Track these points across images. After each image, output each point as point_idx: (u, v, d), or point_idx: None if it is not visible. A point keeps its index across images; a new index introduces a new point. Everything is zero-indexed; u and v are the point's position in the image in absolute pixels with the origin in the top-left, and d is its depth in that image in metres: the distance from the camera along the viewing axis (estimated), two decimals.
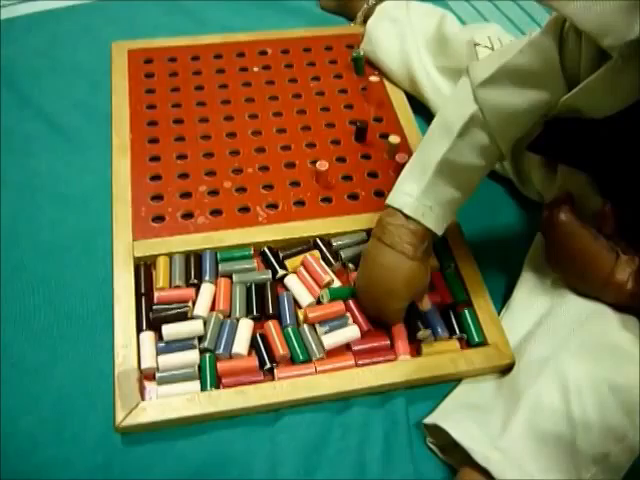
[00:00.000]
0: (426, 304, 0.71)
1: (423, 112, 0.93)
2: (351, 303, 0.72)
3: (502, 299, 0.75)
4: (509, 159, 0.83)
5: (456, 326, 0.71)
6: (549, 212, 0.66)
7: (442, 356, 0.68)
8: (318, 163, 0.80)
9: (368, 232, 0.76)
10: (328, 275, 0.72)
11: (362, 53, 0.95)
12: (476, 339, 0.70)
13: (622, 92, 0.56)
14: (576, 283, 0.67)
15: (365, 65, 0.96)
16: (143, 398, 0.64)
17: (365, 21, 1.00)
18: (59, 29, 1.03)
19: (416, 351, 0.69)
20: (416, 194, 0.65)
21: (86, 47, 1.00)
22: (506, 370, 0.67)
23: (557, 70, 0.61)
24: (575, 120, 0.63)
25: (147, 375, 0.66)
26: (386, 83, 0.95)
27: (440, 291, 0.74)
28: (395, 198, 0.66)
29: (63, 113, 0.91)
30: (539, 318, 0.68)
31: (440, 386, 0.68)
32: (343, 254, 0.75)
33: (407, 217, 0.65)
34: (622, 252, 0.63)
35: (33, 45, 1.00)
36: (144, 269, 0.73)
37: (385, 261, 0.65)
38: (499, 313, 0.73)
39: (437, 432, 0.63)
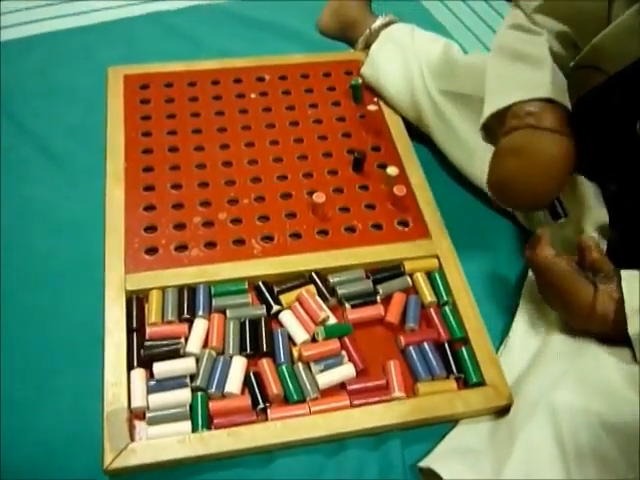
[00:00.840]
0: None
1: (422, 142, 0.92)
2: (347, 341, 0.70)
3: (501, 335, 0.74)
4: None
5: (453, 365, 0.70)
6: (528, 252, 0.67)
7: (439, 396, 0.67)
8: (315, 195, 0.79)
9: (366, 269, 0.76)
10: (324, 312, 0.71)
11: (360, 81, 0.94)
12: (474, 379, 0.69)
13: None
14: (565, 317, 0.67)
15: (363, 92, 0.96)
16: (133, 439, 0.63)
17: (367, 47, 0.99)
18: (56, 51, 1.02)
19: (412, 390, 0.68)
20: (547, 81, 0.66)
21: (83, 71, 1.00)
22: (504, 411, 0.66)
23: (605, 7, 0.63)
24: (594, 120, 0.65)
25: (138, 414, 0.65)
26: (385, 111, 0.94)
27: (437, 328, 0.73)
28: (523, 91, 0.67)
29: (58, 138, 0.90)
30: (532, 357, 0.68)
31: (437, 427, 0.67)
32: (340, 291, 0.74)
33: (546, 100, 0.65)
34: (601, 282, 0.63)
35: (30, 68, 0.99)
36: (136, 303, 0.71)
37: (542, 144, 0.64)
38: (497, 350, 0.72)
39: (432, 476, 0.61)
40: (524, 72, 0.69)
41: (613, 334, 0.63)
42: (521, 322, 0.73)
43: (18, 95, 0.95)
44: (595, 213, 0.69)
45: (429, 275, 0.77)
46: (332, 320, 0.72)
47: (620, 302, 0.62)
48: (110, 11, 1.10)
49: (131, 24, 1.07)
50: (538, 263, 0.66)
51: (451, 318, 0.73)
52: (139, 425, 0.64)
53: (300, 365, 0.68)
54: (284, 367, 0.68)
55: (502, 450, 0.60)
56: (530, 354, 0.69)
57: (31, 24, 1.04)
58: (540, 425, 0.58)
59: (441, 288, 0.76)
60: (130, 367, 0.67)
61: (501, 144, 0.68)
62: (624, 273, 0.63)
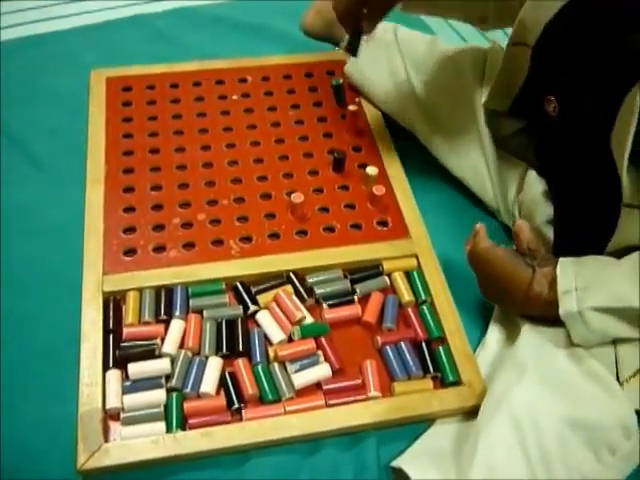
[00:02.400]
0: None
1: (403, 140, 0.92)
2: (323, 340, 0.70)
3: (479, 335, 0.74)
4: (493, 186, 0.82)
5: (430, 364, 0.69)
6: (468, 246, 0.69)
7: (415, 396, 0.67)
8: (293, 195, 0.79)
9: (344, 268, 0.76)
10: (300, 312, 0.71)
11: (341, 81, 0.94)
12: (450, 378, 0.68)
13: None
14: (506, 306, 0.69)
15: (346, 92, 0.95)
16: (107, 439, 0.63)
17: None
18: (41, 54, 1.03)
19: (389, 390, 0.68)
20: None
21: (67, 73, 1.00)
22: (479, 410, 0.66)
23: None
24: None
25: (112, 415, 0.65)
26: (366, 110, 0.94)
27: (414, 327, 0.72)
28: None
29: (40, 142, 0.90)
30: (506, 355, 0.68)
31: (413, 426, 0.67)
32: (317, 291, 0.74)
33: None
34: (539, 266, 0.64)
35: (14, 71, 0.99)
36: (113, 304, 0.71)
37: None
38: (475, 350, 0.72)
39: (404, 476, 0.61)
40: None
41: (551, 313, 0.63)
42: (497, 323, 0.73)
43: (1, 98, 0.95)
44: (545, 206, 0.70)
45: (408, 275, 0.77)
46: (309, 320, 0.72)
47: (555, 284, 0.62)
48: (95, 14, 1.10)
49: (116, 27, 1.08)
50: (477, 255, 0.68)
51: (429, 317, 0.73)
52: (114, 426, 0.64)
53: (276, 365, 0.68)
54: (260, 367, 0.68)
55: (468, 450, 0.60)
56: (502, 354, 0.69)
57: (16, 27, 1.05)
58: (501, 424, 0.58)
59: (419, 287, 0.75)
60: (106, 368, 0.67)
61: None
62: (561, 259, 0.64)
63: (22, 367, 0.69)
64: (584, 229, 0.68)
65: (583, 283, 0.61)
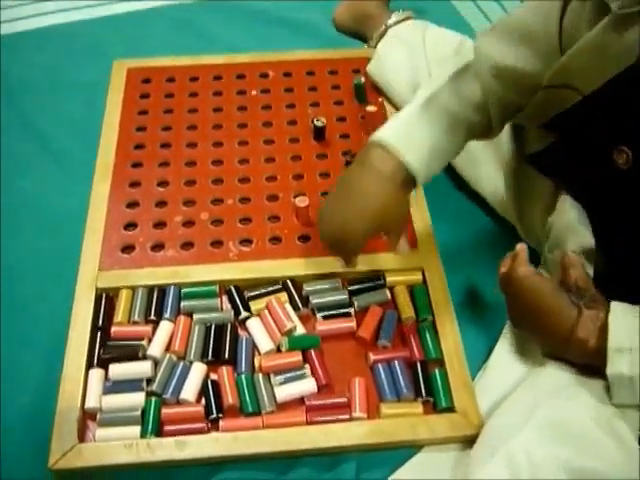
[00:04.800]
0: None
1: None
2: (312, 354, 0.67)
3: (481, 359, 0.69)
4: (512, 200, 0.76)
5: (423, 387, 0.65)
6: (504, 269, 0.61)
7: (402, 420, 0.63)
8: (298, 199, 0.76)
9: (344, 278, 0.72)
10: (291, 322, 0.68)
11: (363, 80, 0.90)
12: (443, 404, 0.64)
13: (617, 54, 0.52)
14: (538, 340, 0.62)
15: (368, 92, 0.92)
16: (82, 440, 0.62)
17: None
18: (66, 44, 1.03)
19: (376, 410, 0.64)
20: (398, 125, 0.64)
21: (91, 64, 1.00)
22: (472, 441, 0.62)
23: (554, 31, 0.59)
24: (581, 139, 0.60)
25: (91, 415, 0.64)
26: (388, 112, 0.90)
27: (411, 345, 0.68)
28: (379, 131, 0.64)
29: (59, 133, 0.91)
30: (511, 388, 0.62)
31: (397, 452, 0.63)
32: (313, 300, 0.71)
33: (387, 150, 0.61)
34: (586, 307, 0.57)
35: (37, 60, 1.00)
36: (105, 301, 0.71)
37: (362, 181, 0.62)
38: (474, 376, 0.67)
39: None
40: (399, 114, 0.67)
41: (592, 362, 0.57)
42: (504, 348, 0.67)
43: (24, 88, 0.96)
44: (580, 235, 0.63)
45: (411, 289, 0.73)
46: (300, 330, 0.69)
47: (604, 334, 0.56)
48: (122, 4, 1.09)
49: (142, 17, 1.07)
50: (515, 281, 0.60)
51: (428, 337, 0.69)
52: (92, 426, 0.63)
53: (260, 376, 0.66)
54: (243, 377, 0.65)
55: None
56: (509, 384, 0.63)
57: (41, 16, 1.06)
58: (497, 470, 0.53)
59: (422, 304, 0.71)
60: (90, 366, 0.66)
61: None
62: (614, 304, 0.56)
63: (7, 356, 0.69)
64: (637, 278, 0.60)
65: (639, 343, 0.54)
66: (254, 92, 0.93)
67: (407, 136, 0.62)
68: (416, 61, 0.87)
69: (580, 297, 0.58)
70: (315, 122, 0.85)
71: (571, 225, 0.64)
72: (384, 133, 0.63)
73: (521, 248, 0.61)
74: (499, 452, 0.54)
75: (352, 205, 0.62)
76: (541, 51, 0.59)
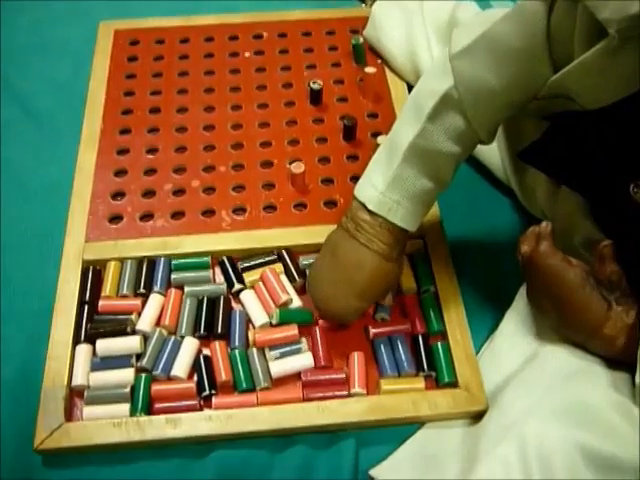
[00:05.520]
0: (388, 300, 0.65)
1: None
2: (311, 327, 0.64)
3: (486, 333, 0.66)
4: (511, 169, 0.73)
5: (425, 361, 0.62)
6: (529, 249, 0.56)
7: (402, 396, 0.60)
8: (293, 165, 0.73)
9: None
10: (286, 294, 0.65)
11: (362, 40, 0.86)
12: (446, 379, 0.61)
13: (618, 78, 0.47)
14: (559, 328, 0.58)
15: (367, 53, 0.87)
16: (70, 419, 0.59)
17: None
18: (48, 4, 0.98)
19: (376, 386, 0.62)
20: (382, 187, 0.57)
21: (76, 25, 0.95)
22: (476, 417, 0.59)
23: (542, 45, 0.51)
24: (575, 129, 0.54)
25: (79, 393, 0.61)
26: (388, 74, 0.86)
27: (412, 318, 0.65)
28: (362, 189, 0.59)
29: (40, 96, 0.87)
30: (521, 362, 0.59)
31: (398, 428, 0.60)
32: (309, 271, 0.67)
33: (371, 213, 0.57)
34: (616, 301, 0.53)
35: (23, 24, 0.95)
36: (93, 274, 0.68)
37: (360, 260, 0.58)
38: (480, 348, 0.64)
39: None
40: (378, 163, 0.60)
41: (617, 358, 0.54)
42: (512, 321, 0.64)
43: (8, 51, 0.91)
44: (583, 227, 0.59)
45: (412, 258, 0.69)
46: (297, 303, 0.66)
47: (633, 332, 0.52)
48: None
49: None
50: (540, 264, 0.55)
51: (430, 308, 0.66)
52: (79, 404, 0.61)
53: (254, 351, 0.63)
54: (237, 352, 0.63)
55: (464, 469, 0.53)
56: (517, 359, 0.60)
57: None
58: (507, 453, 0.50)
59: (423, 273, 0.68)
60: (77, 342, 0.63)
61: (328, 236, 0.62)
62: None
63: None
64: None
65: None
66: (247, 54, 0.89)
67: (391, 203, 0.57)
68: (413, 26, 0.83)
69: (610, 291, 0.54)
70: (311, 85, 0.80)
71: (575, 214, 0.60)
72: (366, 196, 0.58)
73: (546, 226, 0.56)
74: (510, 435, 0.51)
75: (353, 288, 0.59)
76: (531, 64, 0.53)
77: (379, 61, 0.87)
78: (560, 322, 0.57)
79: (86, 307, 0.65)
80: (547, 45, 0.51)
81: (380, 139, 0.75)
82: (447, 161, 0.58)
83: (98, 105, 0.81)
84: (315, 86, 0.81)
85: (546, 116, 0.59)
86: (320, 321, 0.65)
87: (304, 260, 0.68)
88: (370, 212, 0.57)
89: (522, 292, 0.65)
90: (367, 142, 0.79)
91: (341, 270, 0.59)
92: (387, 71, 0.86)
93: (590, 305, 0.54)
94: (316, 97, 0.82)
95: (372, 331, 0.64)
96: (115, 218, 0.72)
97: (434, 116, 0.55)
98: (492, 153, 0.75)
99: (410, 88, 0.84)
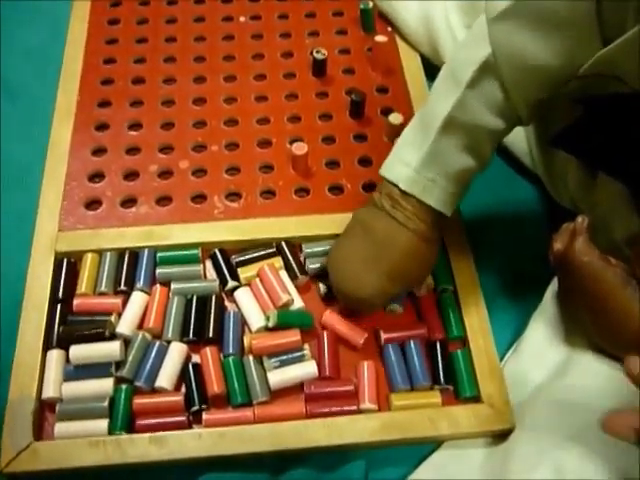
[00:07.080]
0: (423, 289, 0.60)
1: None
2: (324, 334, 0.57)
3: (510, 339, 0.59)
4: (539, 155, 0.65)
5: (442, 372, 0.55)
6: (562, 246, 0.51)
7: (418, 412, 0.53)
8: (295, 145, 0.65)
9: None
10: (286, 293, 0.58)
11: (371, 5, 0.77)
12: (467, 392, 0.54)
13: None
14: (596, 336, 0.52)
15: (376, 19, 0.79)
16: (39, 437, 0.52)
17: None
18: None
19: (386, 401, 0.55)
20: (415, 163, 0.52)
21: None
22: (501, 436, 0.52)
23: (592, 13, 0.45)
24: (617, 111, 0.49)
25: (50, 406, 0.54)
26: (399, 44, 0.77)
27: (430, 321, 0.58)
28: (390, 167, 0.54)
29: (12, 66, 0.78)
30: (551, 374, 0.53)
31: (413, 449, 0.53)
32: (311, 265, 0.60)
33: (403, 192, 0.52)
34: None
35: None
36: (67, 268, 0.60)
37: (395, 239, 0.53)
38: (503, 357, 0.57)
39: None
40: (411, 138, 0.54)
41: None
42: (540, 325, 0.57)
43: None
44: (625, 222, 0.53)
45: None
46: (299, 304, 0.58)
47: None
48: None
49: None
50: (574, 264, 0.50)
51: (449, 311, 0.58)
52: (50, 420, 0.53)
53: (251, 359, 0.55)
54: (231, 360, 0.55)
55: None
56: (547, 368, 0.55)
57: None
58: None
59: (440, 271, 0.60)
60: (47, 347, 0.56)
61: (355, 214, 0.57)
62: None
63: None
64: None
65: None
66: (243, 18, 0.80)
67: (425, 181, 0.52)
68: None
69: None
70: (314, 54, 0.72)
71: (617, 209, 0.54)
72: (396, 174, 0.53)
73: (581, 222, 0.51)
74: (547, 459, 0.45)
75: (396, 272, 0.54)
76: (577, 36, 0.47)
77: (390, 29, 0.79)
78: (595, 328, 0.52)
79: (59, 306, 0.58)
80: (597, 14, 0.45)
81: (393, 117, 0.67)
82: (487, 136, 0.52)
83: (74, 74, 0.73)
84: (318, 56, 0.72)
85: (583, 99, 0.52)
86: (325, 323, 0.58)
87: (307, 248, 0.61)
88: (402, 192, 0.52)
89: (550, 293, 0.59)
90: (376, 120, 0.71)
91: (376, 247, 0.54)
92: (399, 40, 0.78)
93: (631, 310, 0.48)
94: (319, 68, 0.73)
95: (383, 336, 0.57)
96: (92, 203, 0.64)
97: (473, 86, 0.50)
98: (518, 137, 0.68)
99: (424, 60, 0.76)
